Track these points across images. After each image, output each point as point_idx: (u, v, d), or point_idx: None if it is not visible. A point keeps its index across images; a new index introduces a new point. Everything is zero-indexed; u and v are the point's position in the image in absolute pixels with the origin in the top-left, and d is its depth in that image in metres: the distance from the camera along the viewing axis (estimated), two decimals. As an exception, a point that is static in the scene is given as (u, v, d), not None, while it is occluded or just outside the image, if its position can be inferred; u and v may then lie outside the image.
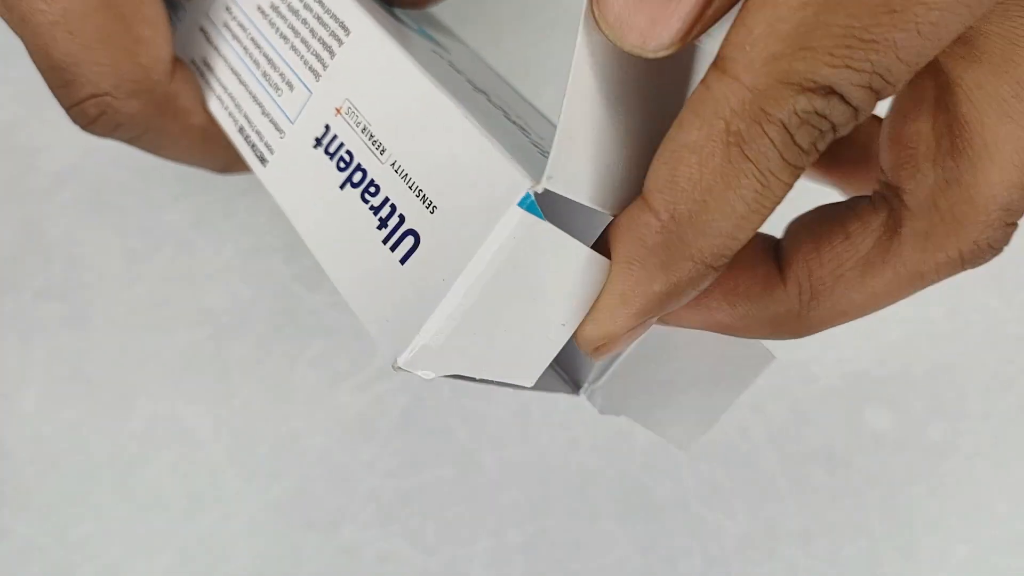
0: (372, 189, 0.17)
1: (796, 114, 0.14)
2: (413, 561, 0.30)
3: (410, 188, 0.17)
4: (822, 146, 0.14)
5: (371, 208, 0.17)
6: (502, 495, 0.30)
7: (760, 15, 0.14)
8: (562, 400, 0.31)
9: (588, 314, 0.17)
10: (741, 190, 0.14)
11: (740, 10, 0.14)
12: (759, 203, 0.15)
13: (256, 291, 0.31)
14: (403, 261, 0.16)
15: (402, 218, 0.17)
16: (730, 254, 0.15)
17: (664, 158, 0.15)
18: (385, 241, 0.17)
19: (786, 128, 0.14)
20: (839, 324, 0.18)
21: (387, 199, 0.17)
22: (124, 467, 0.30)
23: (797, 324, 0.18)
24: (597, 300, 0.16)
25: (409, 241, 0.16)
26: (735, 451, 0.30)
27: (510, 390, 0.18)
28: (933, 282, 0.17)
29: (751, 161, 0.14)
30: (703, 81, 0.14)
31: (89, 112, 0.20)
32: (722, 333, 0.18)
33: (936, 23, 0.13)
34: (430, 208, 0.16)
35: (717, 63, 0.14)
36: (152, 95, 0.20)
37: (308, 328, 0.31)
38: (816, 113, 0.14)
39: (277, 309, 0.31)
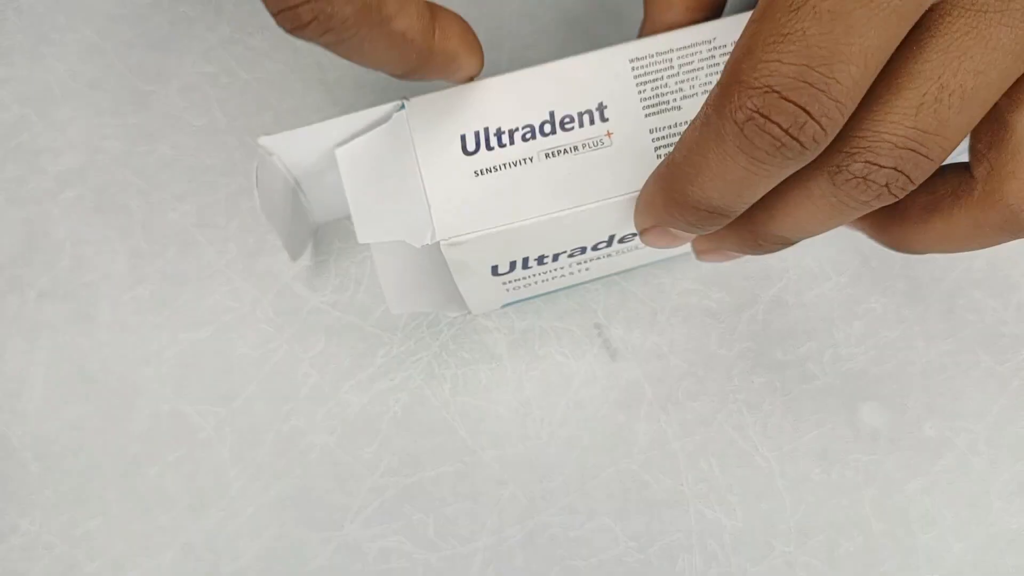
0: None
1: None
2: (414, 557, 0.30)
3: None
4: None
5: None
6: (502, 492, 0.30)
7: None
8: (562, 399, 0.31)
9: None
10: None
11: None
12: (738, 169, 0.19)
13: (258, 291, 0.32)
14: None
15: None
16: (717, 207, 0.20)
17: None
18: None
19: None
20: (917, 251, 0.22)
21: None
22: (128, 465, 0.30)
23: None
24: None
25: None
26: (733, 449, 0.30)
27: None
28: (982, 240, 0.21)
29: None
30: None
31: (303, 17, 0.19)
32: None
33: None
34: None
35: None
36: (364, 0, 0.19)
37: (310, 327, 0.31)
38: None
39: (279, 308, 0.32)
